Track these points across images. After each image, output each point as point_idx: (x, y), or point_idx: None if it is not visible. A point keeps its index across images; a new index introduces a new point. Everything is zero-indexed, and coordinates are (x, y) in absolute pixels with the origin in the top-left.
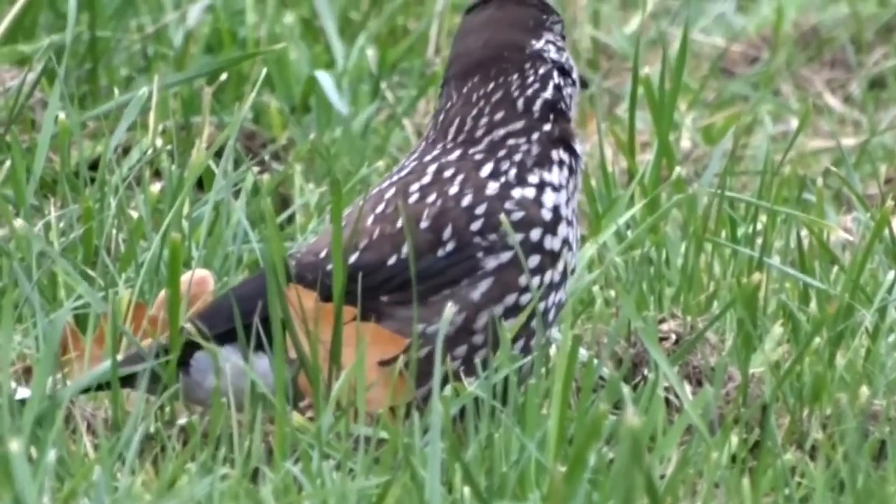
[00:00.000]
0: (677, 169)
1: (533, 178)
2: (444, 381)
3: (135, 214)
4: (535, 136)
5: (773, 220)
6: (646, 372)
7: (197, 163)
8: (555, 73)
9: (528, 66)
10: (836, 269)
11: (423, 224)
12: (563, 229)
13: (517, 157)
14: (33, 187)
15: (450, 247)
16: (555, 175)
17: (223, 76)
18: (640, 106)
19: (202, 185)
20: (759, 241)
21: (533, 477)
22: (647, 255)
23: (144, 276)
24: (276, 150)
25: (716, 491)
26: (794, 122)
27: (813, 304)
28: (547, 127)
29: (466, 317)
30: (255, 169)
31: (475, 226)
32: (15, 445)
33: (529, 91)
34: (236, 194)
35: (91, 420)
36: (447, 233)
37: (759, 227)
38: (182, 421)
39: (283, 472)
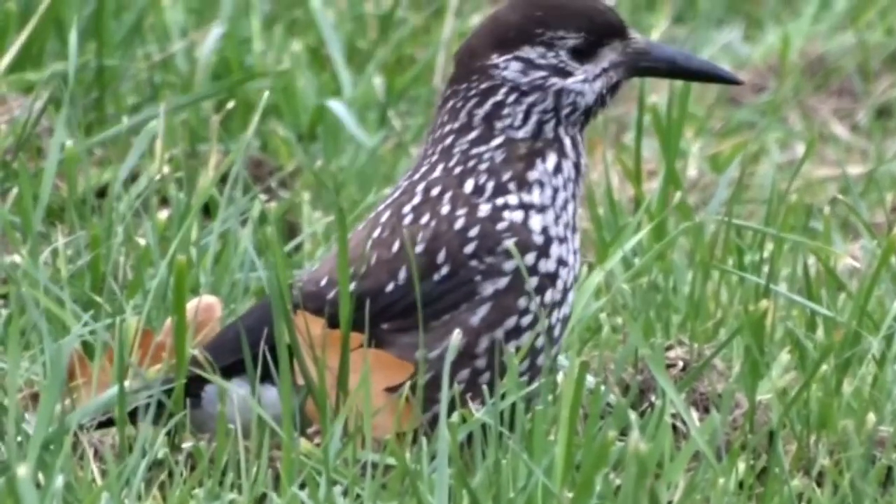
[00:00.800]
0: (679, 193)
1: (513, 200)
2: (451, 407)
3: (142, 242)
4: (492, 145)
5: (780, 247)
6: (653, 398)
7: (203, 190)
8: (501, 91)
9: (473, 78)
10: (843, 296)
11: (418, 248)
12: (555, 249)
13: (483, 167)
14: (40, 214)
15: (444, 271)
16: (535, 196)
17: (230, 104)
18: (646, 134)
19: (209, 212)
20: (766, 268)
21: (540, 503)
22: (655, 282)
23: (152, 302)
24: (283, 177)
25: None
26: (800, 151)
27: (820, 331)
28: (495, 142)
29: (468, 342)
30: (263, 197)
31: (469, 249)
32: (22, 470)
33: (469, 104)
34: (244, 222)
35: (98, 446)
36: (441, 257)
37: (766, 254)
38: (188, 445)
39: (290, 498)
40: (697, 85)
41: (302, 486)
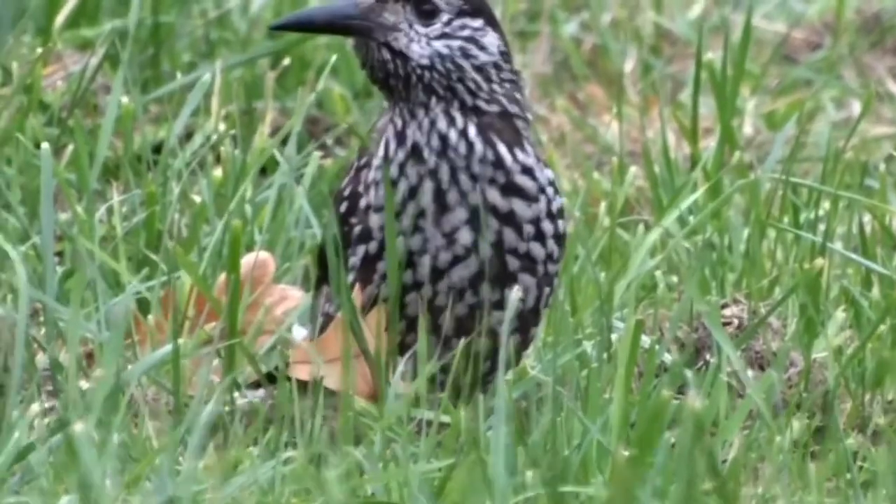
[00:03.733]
0: (738, 153)
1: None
2: (507, 365)
3: (198, 199)
4: None
5: (836, 205)
6: (708, 357)
7: (260, 148)
8: None
9: None
10: None
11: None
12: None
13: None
14: (96, 172)
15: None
16: (372, 196)
17: (286, 61)
18: (703, 92)
19: (264, 169)
20: (822, 226)
21: (596, 461)
22: (710, 240)
23: (208, 260)
24: (338, 135)
25: (779, 475)
26: (856, 109)
27: (875, 289)
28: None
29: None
30: (318, 154)
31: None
32: (79, 427)
33: None
34: (299, 179)
35: (153, 404)
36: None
37: (822, 212)
38: (244, 403)
39: (345, 456)
40: (753, 42)
41: (357, 445)
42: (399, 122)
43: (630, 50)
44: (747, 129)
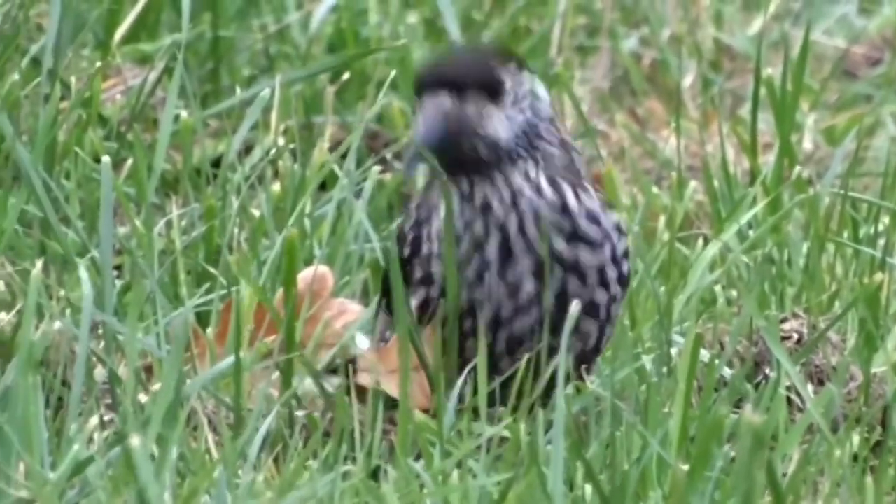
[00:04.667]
0: (798, 168)
1: None
2: (567, 380)
3: (257, 213)
4: None
5: (895, 220)
6: (767, 371)
7: (319, 162)
8: None
9: None
10: None
11: None
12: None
13: None
14: (154, 185)
15: None
16: (435, 247)
17: (345, 76)
18: (762, 107)
19: (324, 184)
20: (882, 241)
21: (655, 475)
22: (770, 254)
23: (267, 274)
24: (398, 149)
25: (838, 489)
26: None
27: None
28: None
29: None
30: (377, 168)
31: None
32: (137, 441)
33: None
34: (358, 193)
35: (213, 417)
36: None
37: (882, 227)
38: (302, 416)
39: (405, 470)
40: (813, 58)
41: (416, 459)
42: (466, 187)
43: (689, 65)
44: (807, 144)
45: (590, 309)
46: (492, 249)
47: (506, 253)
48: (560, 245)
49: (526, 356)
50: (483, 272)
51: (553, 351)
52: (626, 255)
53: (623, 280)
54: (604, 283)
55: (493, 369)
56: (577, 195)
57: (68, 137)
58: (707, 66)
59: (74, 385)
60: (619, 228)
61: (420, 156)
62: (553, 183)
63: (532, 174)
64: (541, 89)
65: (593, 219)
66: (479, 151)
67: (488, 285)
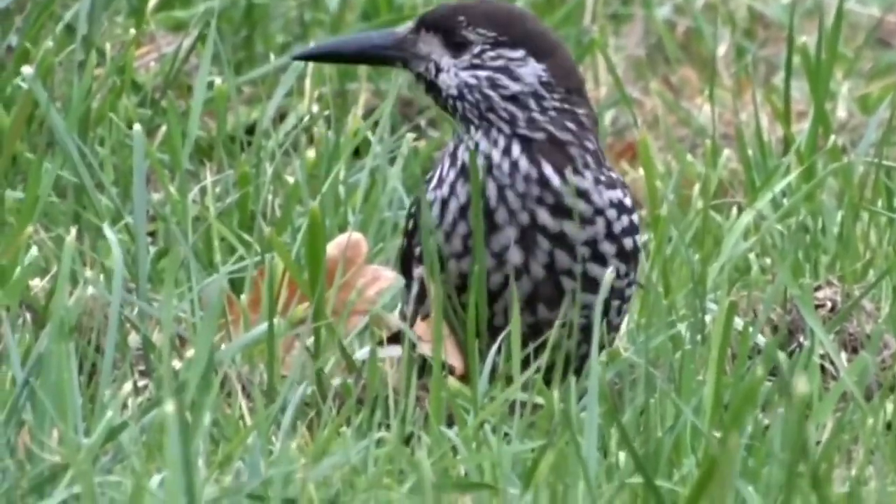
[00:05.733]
0: (833, 137)
1: None
2: (600, 347)
3: (291, 180)
4: None
5: None
6: (801, 339)
7: (353, 129)
8: None
9: None
10: None
11: None
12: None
13: None
14: (188, 152)
15: None
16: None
17: None
18: (796, 75)
19: (357, 151)
20: None
21: (689, 442)
22: (803, 222)
23: (301, 241)
24: (432, 116)
25: (871, 457)
26: None
27: None
28: None
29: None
30: (411, 136)
31: None
32: (171, 407)
33: None
34: (392, 160)
35: (246, 384)
36: None
37: None
38: (336, 383)
39: (438, 437)
40: (847, 26)
41: (449, 425)
42: (452, 144)
43: (723, 33)
44: (841, 112)
45: (585, 283)
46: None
47: (489, 221)
48: (544, 217)
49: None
50: (468, 241)
51: (549, 325)
52: (629, 231)
53: (626, 255)
54: (598, 258)
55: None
56: (560, 173)
57: (102, 104)
58: (741, 34)
59: (107, 351)
60: (620, 205)
61: (327, 52)
62: (530, 155)
63: (501, 141)
64: (526, 71)
65: (582, 195)
66: (427, 93)
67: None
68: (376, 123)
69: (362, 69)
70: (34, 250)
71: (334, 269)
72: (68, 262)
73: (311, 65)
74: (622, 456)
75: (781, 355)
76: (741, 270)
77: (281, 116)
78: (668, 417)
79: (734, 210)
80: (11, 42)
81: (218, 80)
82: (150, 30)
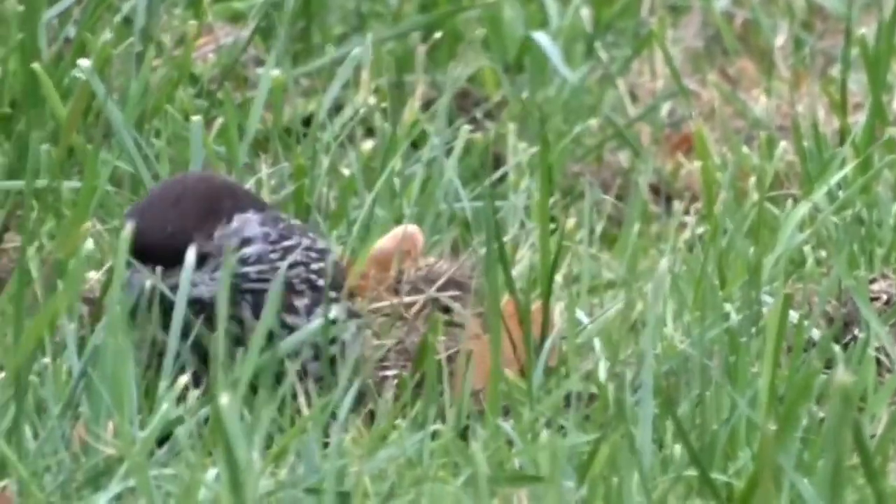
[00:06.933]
0: (889, 129)
1: None
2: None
3: (346, 172)
4: None
5: None
6: (856, 331)
7: (410, 121)
8: None
9: None
10: None
11: None
12: None
13: None
14: (247, 144)
15: None
16: None
17: (437, 34)
18: (853, 67)
19: (414, 143)
20: None
21: (744, 435)
22: (859, 214)
23: (356, 233)
24: (489, 108)
25: None
26: None
27: None
28: None
29: None
30: (468, 128)
31: None
32: (226, 399)
33: None
34: (448, 152)
35: (302, 376)
36: None
37: None
38: (392, 375)
39: (494, 429)
40: None
41: (505, 418)
42: None
43: (781, 25)
44: None
45: None
46: None
47: None
48: None
49: None
50: None
51: None
52: None
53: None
54: None
55: None
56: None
57: (159, 96)
58: (799, 25)
59: (170, 342)
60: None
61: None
62: None
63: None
64: (251, 227)
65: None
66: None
67: None
68: (434, 115)
69: (420, 60)
70: (90, 243)
71: (390, 261)
72: (124, 254)
73: (368, 56)
74: (677, 448)
75: (836, 348)
76: (796, 263)
77: (337, 108)
78: (723, 410)
79: (790, 202)
80: (69, 34)
81: (275, 72)
82: (208, 21)
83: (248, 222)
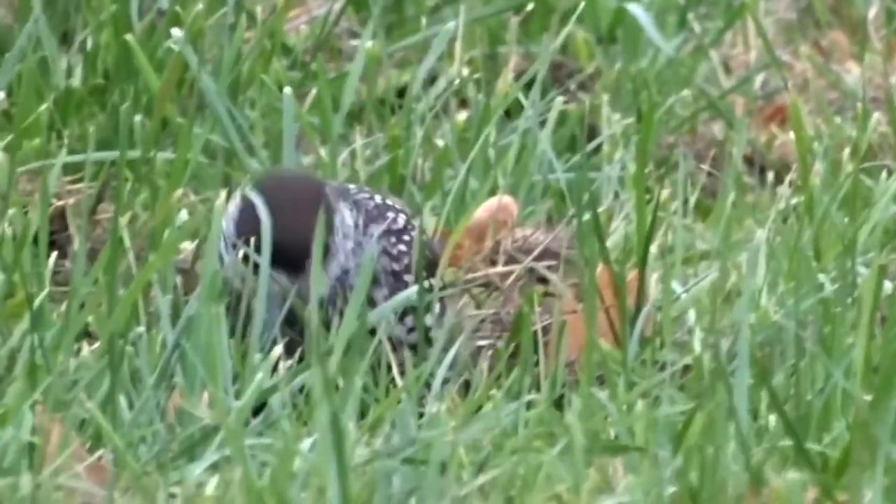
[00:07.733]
0: None
1: None
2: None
3: (440, 143)
4: None
5: None
6: None
7: (503, 92)
8: None
9: None
10: None
11: None
12: None
13: None
14: (341, 116)
15: None
16: None
17: (530, 6)
18: None
19: (508, 113)
20: None
21: (839, 405)
22: None
23: (451, 204)
24: (582, 80)
25: None
26: None
27: None
28: None
29: None
30: (561, 99)
31: None
32: (319, 370)
33: None
34: (542, 123)
35: (398, 346)
36: None
37: None
38: (486, 345)
39: (588, 398)
40: None
41: (601, 387)
42: None
43: None
44: None
45: None
46: None
47: None
48: None
49: None
50: None
51: None
52: None
53: None
54: None
55: None
56: None
57: (252, 67)
58: None
59: (257, 315)
60: None
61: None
62: None
63: None
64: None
65: None
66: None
67: None
68: (527, 86)
69: (512, 32)
70: (184, 213)
71: (485, 232)
72: (218, 224)
73: (461, 28)
74: (772, 419)
75: None
76: (891, 234)
77: (431, 79)
78: (817, 380)
79: (884, 173)
80: (162, 5)
81: (369, 44)
82: None
83: (344, 214)
